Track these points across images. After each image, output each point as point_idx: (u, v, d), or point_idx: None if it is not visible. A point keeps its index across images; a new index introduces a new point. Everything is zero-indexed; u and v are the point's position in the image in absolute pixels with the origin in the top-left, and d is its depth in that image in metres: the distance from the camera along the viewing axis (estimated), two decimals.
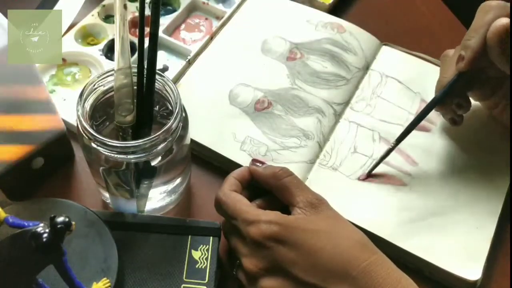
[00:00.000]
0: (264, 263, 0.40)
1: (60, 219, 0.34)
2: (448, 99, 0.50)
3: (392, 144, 0.51)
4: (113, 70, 0.42)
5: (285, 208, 0.43)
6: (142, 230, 0.44)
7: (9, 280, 0.35)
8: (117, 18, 0.40)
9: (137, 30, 0.41)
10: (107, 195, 0.47)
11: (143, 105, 0.42)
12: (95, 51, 0.60)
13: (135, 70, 0.42)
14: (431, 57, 0.61)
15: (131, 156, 0.41)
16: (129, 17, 0.63)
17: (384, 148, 0.54)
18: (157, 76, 0.42)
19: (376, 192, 0.51)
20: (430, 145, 0.54)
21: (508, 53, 0.44)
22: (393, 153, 0.53)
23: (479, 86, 0.51)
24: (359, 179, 0.52)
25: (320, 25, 0.63)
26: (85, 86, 0.42)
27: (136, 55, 0.43)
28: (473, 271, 0.46)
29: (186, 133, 0.44)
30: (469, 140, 0.55)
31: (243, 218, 0.41)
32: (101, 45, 0.60)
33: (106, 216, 0.44)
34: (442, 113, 0.53)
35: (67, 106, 0.55)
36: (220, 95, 0.56)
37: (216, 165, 0.54)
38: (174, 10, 0.65)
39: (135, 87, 0.42)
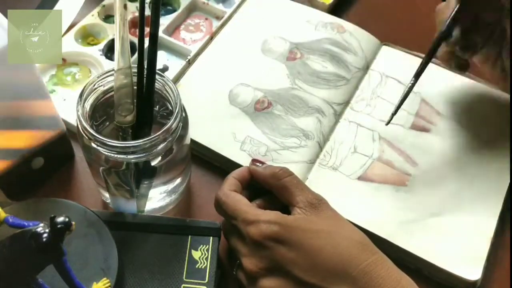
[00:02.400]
0: (264, 263, 0.40)
1: (60, 219, 0.34)
2: (452, 43, 0.51)
3: (412, 82, 0.50)
4: (113, 70, 0.42)
5: (285, 208, 0.43)
6: (142, 230, 0.44)
7: (9, 280, 0.35)
8: (117, 18, 0.40)
9: (137, 30, 0.41)
10: (107, 195, 0.47)
11: (143, 105, 0.42)
12: (95, 51, 0.60)
13: (135, 70, 0.42)
14: None
15: (131, 156, 0.41)
16: (129, 17, 0.63)
17: (383, 148, 0.54)
18: (157, 76, 0.42)
19: (376, 192, 0.51)
20: (430, 145, 0.54)
21: None
22: (393, 153, 0.53)
23: (473, 36, 0.51)
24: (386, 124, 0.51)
25: (320, 25, 0.63)
26: (85, 86, 0.42)
27: (136, 55, 0.43)
28: (473, 271, 0.46)
29: (186, 133, 0.44)
30: (468, 140, 0.55)
31: (243, 218, 0.41)
32: (101, 45, 0.61)
33: (106, 216, 0.44)
34: (448, 60, 0.53)
35: (67, 106, 0.55)
36: (220, 95, 0.56)
37: (216, 165, 0.54)
38: (174, 10, 0.65)
39: (135, 87, 0.42)
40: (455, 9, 0.49)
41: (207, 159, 0.54)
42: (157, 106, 0.45)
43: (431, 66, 0.60)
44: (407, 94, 0.50)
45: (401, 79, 0.60)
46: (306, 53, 0.60)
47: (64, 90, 0.58)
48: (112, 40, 0.61)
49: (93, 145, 0.40)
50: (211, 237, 0.45)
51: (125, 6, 0.40)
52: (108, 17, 0.64)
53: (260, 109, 0.56)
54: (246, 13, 0.64)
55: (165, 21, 0.63)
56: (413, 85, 0.50)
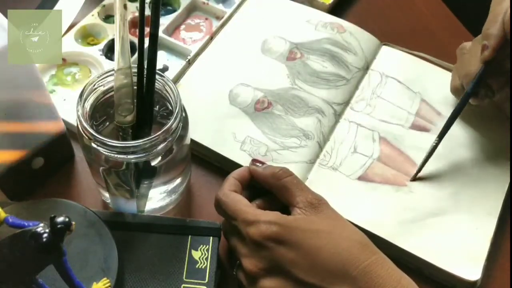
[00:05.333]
0: (264, 263, 0.40)
1: (60, 219, 0.34)
2: (479, 99, 0.51)
3: (436, 142, 0.51)
4: (113, 70, 0.42)
5: (285, 208, 0.43)
6: (142, 230, 0.44)
7: (9, 280, 0.35)
8: (117, 18, 0.40)
9: (137, 30, 0.41)
10: (107, 195, 0.47)
11: (143, 105, 0.42)
12: (95, 51, 0.60)
13: (135, 70, 0.42)
14: (431, 57, 0.61)
15: (131, 156, 0.41)
16: (129, 17, 0.63)
17: (383, 148, 0.54)
18: (157, 76, 0.42)
19: (376, 192, 0.51)
20: (430, 145, 0.54)
21: None
22: (393, 153, 0.53)
23: (496, 78, 0.51)
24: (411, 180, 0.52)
25: (320, 25, 0.63)
26: (85, 86, 0.42)
27: (136, 55, 0.43)
28: (473, 271, 0.46)
29: (186, 133, 0.44)
30: (468, 140, 0.55)
31: (242, 219, 0.41)
32: (101, 45, 0.60)
33: (106, 216, 0.44)
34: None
35: (67, 106, 0.55)
36: (220, 95, 0.56)
37: (216, 165, 0.54)
38: (174, 10, 0.65)
39: (135, 87, 0.42)
40: (481, 70, 0.49)
41: (207, 159, 0.54)
42: (157, 106, 0.45)
43: (431, 67, 0.61)
44: (431, 153, 0.51)
45: (401, 79, 0.60)
46: (306, 53, 0.60)
47: (64, 90, 0.58)
48: (112, 40, 0.61)
49: (93, 145, 0.40)
50: (211, 237, 0.45)
51: (125, 6, 0.40)
52: (108, 17, 0.64)
53: (260, 109, 0.56)
54: (246, 13, 0.64)
55: (165, 21, 0.63)
56: (437, 144, 0.51)
